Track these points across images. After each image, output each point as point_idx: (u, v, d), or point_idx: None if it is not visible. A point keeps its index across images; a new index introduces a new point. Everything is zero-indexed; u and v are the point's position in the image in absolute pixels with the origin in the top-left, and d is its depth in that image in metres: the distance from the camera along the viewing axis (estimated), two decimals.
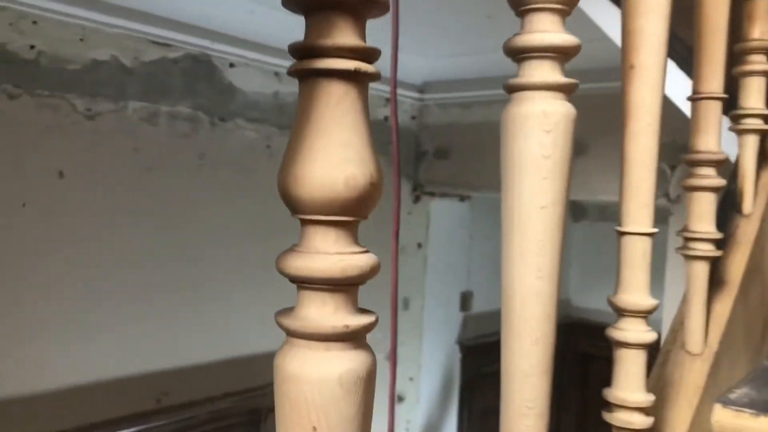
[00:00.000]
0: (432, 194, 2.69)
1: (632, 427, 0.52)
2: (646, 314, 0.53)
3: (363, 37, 0.30)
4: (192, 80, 1.83)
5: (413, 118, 2.57)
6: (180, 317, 1.86)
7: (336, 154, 0.28)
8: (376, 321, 0.30)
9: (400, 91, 2.37)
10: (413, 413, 2.73)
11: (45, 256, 1.58)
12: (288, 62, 2.10)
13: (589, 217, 3.46)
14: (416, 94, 2.53)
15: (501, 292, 0.40)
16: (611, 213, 3.27)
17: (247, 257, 2.00)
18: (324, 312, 0.29)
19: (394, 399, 2.49)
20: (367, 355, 0.30)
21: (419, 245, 2.68)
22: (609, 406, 0.54)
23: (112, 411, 1.72)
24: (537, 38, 0.40)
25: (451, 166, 2.57)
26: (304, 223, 0.29)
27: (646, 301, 0.52)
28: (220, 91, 1.91)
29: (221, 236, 1.94)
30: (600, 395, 0.53)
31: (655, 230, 0.52)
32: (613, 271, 0.54)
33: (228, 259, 1.97)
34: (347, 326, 0.29)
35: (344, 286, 0.29)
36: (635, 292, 0.52)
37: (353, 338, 0.29)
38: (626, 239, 0.52)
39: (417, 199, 2.65)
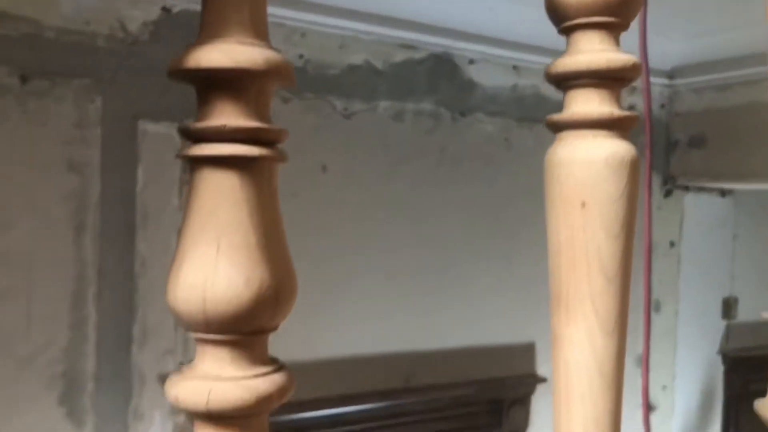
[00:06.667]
0: (686, 188, 2.48)
1: None
2: None
3: None
4: (435, 78, 1.94)
5: (662, 106, 2.41)
6: (427, 303, 1.97)
7: None
8: (636, 118, 0.33)
9: None
10: (667, 425, 2.52)
11: (313, 240, 1.79)
12: (527, 56, 2.10)
13: None
14: (665, 81, 2.37)
15: None
16: None
17: (487, 248, 2.05)
18: (590, 105, 0.33)
19: (648, 403, 2.32)
20: (630, 146, 0.34)
21: (672, 244, 2.49)
22: None
23: (367, 384, 1.87)
24: None
25: (708, 156, 2.35)
26: (572, 30, 0.32)
27: None
28: (460, 87, 1.99)
29: (463, 226, 2.02)
30: None
31: None
32: None
33: (469, 250, 2.03)
34: (612, 113, 0.33)
35: (608, 81, 0.32)
36: None
37: (618, 127, 0.33)
38: None
39: (668, 194, 2.47)
